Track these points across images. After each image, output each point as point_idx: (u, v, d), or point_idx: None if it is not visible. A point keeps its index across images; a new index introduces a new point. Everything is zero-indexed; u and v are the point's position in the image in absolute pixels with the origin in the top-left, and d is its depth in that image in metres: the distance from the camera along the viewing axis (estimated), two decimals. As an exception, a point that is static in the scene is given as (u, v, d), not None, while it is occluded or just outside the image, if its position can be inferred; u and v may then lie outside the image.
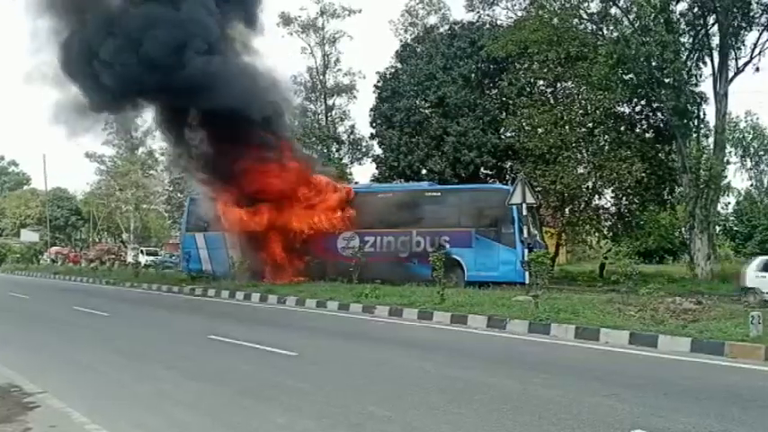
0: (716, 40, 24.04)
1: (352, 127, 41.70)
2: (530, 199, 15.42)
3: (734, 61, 24.07)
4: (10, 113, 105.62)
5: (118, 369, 8.46)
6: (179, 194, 47.79)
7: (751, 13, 23.64)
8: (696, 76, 24.77)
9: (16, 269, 39.70)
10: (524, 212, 15.89)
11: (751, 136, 45.73)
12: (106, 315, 14.82)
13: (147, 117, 29.19)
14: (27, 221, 66.02)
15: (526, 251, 15.70)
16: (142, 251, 44.80)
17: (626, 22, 24.18)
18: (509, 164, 30.10)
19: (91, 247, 58.64)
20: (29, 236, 56.33)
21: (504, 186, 23.34)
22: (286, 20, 40.20)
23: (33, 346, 10.52)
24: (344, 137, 41.63)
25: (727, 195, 27.39)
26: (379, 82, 33.28)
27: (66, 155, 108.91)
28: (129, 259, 39.20)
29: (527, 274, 14.96)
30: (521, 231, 17.60)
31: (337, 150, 40.70)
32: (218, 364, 8.70)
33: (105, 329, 12.69)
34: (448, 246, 19.13)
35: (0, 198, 78.05)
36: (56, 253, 50.32)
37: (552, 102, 27.98)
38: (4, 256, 46.22)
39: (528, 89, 28.84)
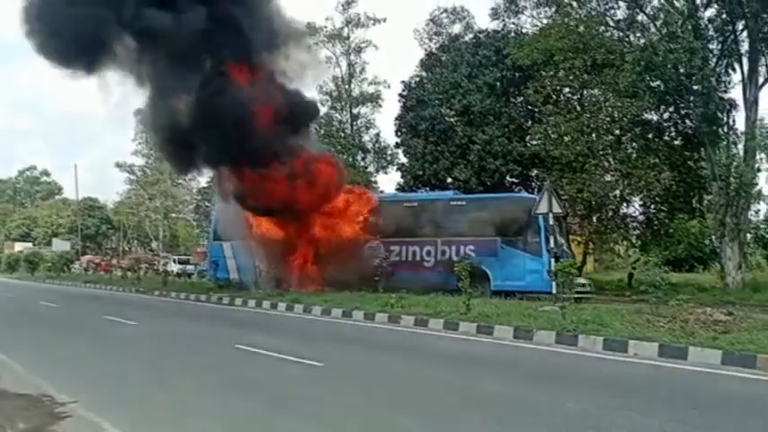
0: (745, 46, 23.63)
1: (377, 135, 41.91)
2: (556, 208, 15.32)
3: (764, 67, 23.66)
4: (43, 124, 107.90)
5: (145, 379, 8.55)
6: (207, 203, 48.36)
7: (781, 19, 23.25)
8: (725, 82, 24.39)
9: (48, 277, 40.36)
10: (551, 221, 15.78)
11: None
12: (135, 324, 14.99)
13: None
14: (59, 231, 67.28)
15: (553, 260, 15.59)
16: (174, 260, 45.07)
17: (653, 29, 23.99)
18: (535, 172, 29.95)
19: (124, 256, 59.51)
20: (60, 245, 57.33)
21: (530, 195, 23.24)
22: (312, 30, 40.49)
23: (64, 355, 10.68)
24: (369, 145, 41.78)
25: (759, 203, 26.87)
26: (404, 91, 33.40)
27: (98, 165, 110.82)
28: (170, 268, 39.33)
29: (554, 283, 14.85)
30: (547, 240, 17.52)
31: (362, 159, 40.86)
32: (243, 375, 8.75)
33: (133, 339, 12.85)
34: (473, 255, 19.07)
35: (32, 208, 79.69)
36: (88, 262, 51.09)
37: (578, 109, 27.79)
38: (36, 265, 47.01)
39: (554, 97, 28.70)
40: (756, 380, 8.26)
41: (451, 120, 30.65)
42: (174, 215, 63.79)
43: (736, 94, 24.32)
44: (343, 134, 40.09)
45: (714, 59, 23.89)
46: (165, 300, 23.25)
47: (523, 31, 29.29)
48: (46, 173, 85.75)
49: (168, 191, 59.25)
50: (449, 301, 15.00)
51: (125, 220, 65.25)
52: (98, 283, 32.72)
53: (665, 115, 26.80)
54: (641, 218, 28.23)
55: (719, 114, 23.77)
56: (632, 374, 8.70)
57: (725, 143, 24.64)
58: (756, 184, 24.18)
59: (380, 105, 42.06)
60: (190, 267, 41.44)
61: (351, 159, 38.64)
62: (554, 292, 14.79)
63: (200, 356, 10.46)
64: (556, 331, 11.21)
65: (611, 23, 26.03)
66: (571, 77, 27.43)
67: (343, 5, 40.39)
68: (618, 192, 26.90)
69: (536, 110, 28.30)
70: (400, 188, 32.79)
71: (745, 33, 23.57)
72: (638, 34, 24.98)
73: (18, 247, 62.46)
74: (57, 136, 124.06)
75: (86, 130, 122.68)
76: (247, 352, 10.51)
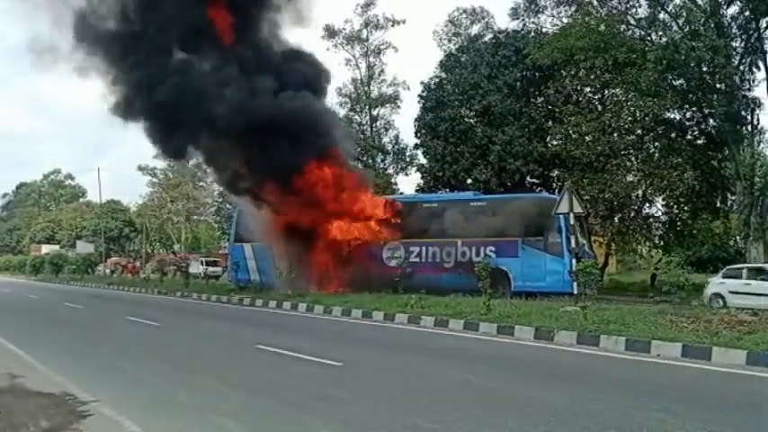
0: (770, 44, 23.36)
1: (397, 137, 41.87)
2: (577, 208, 15.19)
3: (789, 65, 23.31)
4: (67, 128, 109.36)
5: (167, 379, 8.63)
6: (228, 206, 48.62)
7: (806, 15, 22.89)
8: (749, 80, 24.10)
9: (72, 279, 40.92)
10: (572, 221, 15.67)
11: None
12: (157, 325, 15.14)
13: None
14: (82, 233, 68.11)
15: (574, 261, 15.47)
16: (201, 261, 44.89)
17: (675, 27, 23.73)
18: (556, 172, 29.70)
19: (148, 258, 60.00)
20: (84, 247, 58.04)
21: (551, 195, 23.10)
22: (331, 32, 40.69)
23: (88, 355, 10.83)
24: (389, 147, 41.78)
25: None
26: (423, 92, 33.32)
27: (120, 168, 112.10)
28: (196, 270, 39.32)
29: (575, 284, 14.73)
30: (568, 241, 17.41)
31: (382, 160, 40.88)
32: (264, 375, 8.79)
33: (156, 339, 12.98)
34: (494, 255, 19.00)
35: (57, 210, 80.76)
36: (114, 264, 51.50)
37: (600, 109, 27.57)
38: (60, 267, 47.65)
39: (574, 97, 28.51)
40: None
41: (471, 120, 30.54)
42: (195, 217, 64.31)
43: (760, 92, 24.03)
44: (362, 136, 40.14)
45: (737, 57, 23.60)
46: (187, 301, 23.48)
47: (543, 30, 29.06)
48: (70, 176, 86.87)
49: (190, 193, 59.76)
50: (469, 301, 14.96)
51: (147, 222, 65.90)
52: (121, 284, 33.12)
53: (688, 114, 26.52)
54: (664, 218, 27.94)
55: (743, 113, 23.47)
56: (655, 375, 8.58)
57: (749, 142, 24.31)
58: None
59: (399, 107, 42.11)
60: (217, 269, 41.56)
61: (370, 161, 38.73)
62: (575, 292, 14.68)
63: (222, 357, 10.53)
64: (577, 331, 11.13)
65: (633, 22, 25.78)
66: (592, 77, 27.22)
67: (361, 8, 40.48)
68: (640, 192, 26.67)
69: (556, 110, 28.07)
70: (420, 189, 32.73)
71: (768, 31, 23.26)
72: (660, 33, 24.71)
73: (45, 249, 63.36)
74: (80, 139, 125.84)
75: (109, 133, 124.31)
76: (268, 352, 10.56)
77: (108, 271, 49.40)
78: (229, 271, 26.80)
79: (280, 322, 16.01)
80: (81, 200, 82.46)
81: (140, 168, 59.87)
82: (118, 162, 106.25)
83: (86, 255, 52.93)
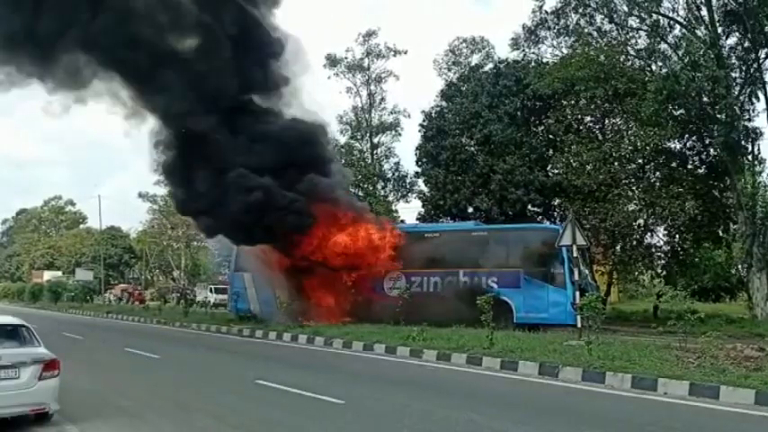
0: (769, 74, 23.47)
1: (397, 164, 41.93)
2: (580, 240, 15.10)
3: (789, 95, 23.39)
4: (69, 155, 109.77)
5: (164, 417, 8.50)
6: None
7: (804, 46, 23.04)
8: (749, 110, 24.19)
9: (70, 307, 40.63)
10: (574, 253, 15.58)
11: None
12: (156, 357, 14.97)
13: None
14: (82, 260, 67.92)
15: (577, 293, 15.35)
16: (211, 289, 43.96)
17: (675, 58, 23.84)
18: (557, 201, 29.71)
19: (148, 285, 59.72)
20: (83, 274, 57.81)
21: (553, 226, 23.07)
22: (332, 61, 40.95)
23: (86, 390, 10.63)
24: (390, 174, 41.83)
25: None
26: (424, 121, 33.46)
27: (121, 194, 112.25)
28: (206, 297, 38.69)
29: (578, 316, 14.58)
30: (571, 272, 17.24)
31: (383, 188, 40.89)
32: (264, 414, 8.65)
33: (155, 373, 12.82)
34: (496, 287, 18.87)
35: (57, 236, 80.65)
36: (122, 291, 51.10)
37: (600, 138, 27.67)
38: (60, 295, 47.33)
39: (575, 126, 28.59)
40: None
41: (472, 149, 30.61)
42: (195, 243, 64.15)
43: (760, 122, 24.13)
44: (363, 163, 40.20)
45: (737, 88, 23.71)
46: (186, 331, 23.26)
47: (544, 60, 29.24)
48: (71, 202, 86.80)
49: (190, 219, 59.66)
50: (471, 334, 14.80)
51: (147, 249, 65.73)
52: (120, 313, 32.87)
53: (689, 144, 26.63)
54: (666, 248, 27.85)
55: (743, 143, 23.51)
56: (663, 415, 8.43)
57: (750, 172, 24.32)
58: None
59: (400, 134, 42.23)
60: (226, 297, 41.05)
61: (371, 188, 38.72)
62: (578, 325, 14.53)
63: (222, 393, 10.35)
64: (582, 368, 10.97)
65: (632, 53, 25.97)
66: (592, 106, 27.38)
67: (363, 37, 40.79)
68: (641, 221, 26.66)
69: (557, 139, 28.16)
70: (421, 218, 32.70)
71: (768, 62, 23.39)
72: (660, 63, 24.86)
73: (47, 275, 63.11)
74: (81, 166, 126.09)
75: (110, 160, 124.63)
76: (268, 388, 10.41)
77: (115, 298, 49.07)
78: (229, 300, 26.59)
79: (280, 355, 15.84)
80: (81, 226, 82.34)
81: (141, 195, 59.84)
82: (118, 189, 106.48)
83: (85, 282, 52.68)
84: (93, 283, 54.37)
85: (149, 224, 64.43)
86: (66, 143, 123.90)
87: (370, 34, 40.73)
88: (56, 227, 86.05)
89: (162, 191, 57.23)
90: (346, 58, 41.29)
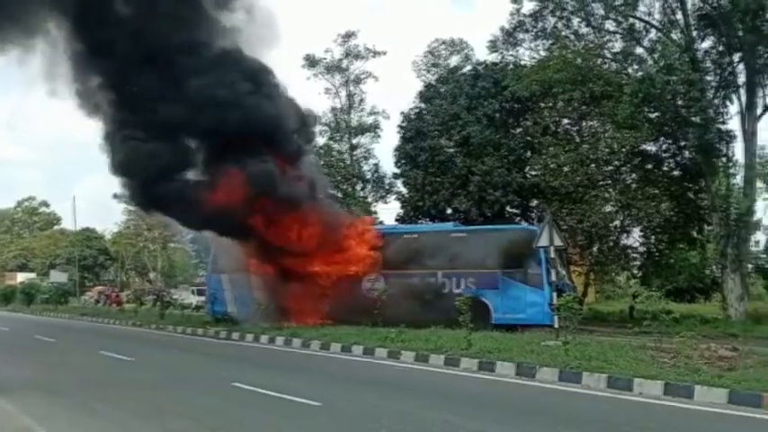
0: (742, 78, 23.82)
1: (377, 165, 41.86)
2: (557, 241, 15.18)
3: (762, 99, 23.75)
4: (42, 155, 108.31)
5: (139, 419, 8.38)
6: (205, 234, 48.12)
7: (777, 51, 23.41)
8: (723, 113, 24.51)
9: (44, 310, 39.98)
10: (552, 254, 15.67)
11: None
12: (131, 360, 14.79)
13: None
14: (56, 261, 66.99)
15: (554, 293, 15.44)
16: (193, 290, 42.84)
17: (650, 62, 24.12)
18: (535, 203, 29.91)
19: (128, 286, 59.04)
20: (58, 276, 56.93)
21: (531, 227, 23.17)
22: (311, 62, 40.79)
23: (59, 393, 10.46)
24: (369, 175, 41.75)
25: (755, 233, 27.10)
26: (403, 122, 33.45)
27: (96, 195, 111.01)
28: (187, 299, 37.97)
29: (555, 316, 14.68)
30: (548, 273, 17.36)
31: (362, 189, 40.82)
32: (241, 416, 8.56)
33: (130, 376, 12.64)
34: (474, 288, 18.93)
35: (30, 238, 79.47)
36: (99, 293, 50.30)
37: (577, 140, 27.89)
38: (33, 297, 46.52)
39: (553, 128, 28.77)
40: (763, 420, 8.11)
41: (451, 151, 30.66)
42: (172, 245, 63.63)
43: (734, 125, 24.45)
44: (342, 164, 40.11)
45: (711, 91, 24.05)
46: (162, 333, 23.00)
47: (522, 63, 29.43)
48: (45, 203, 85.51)
49: (167, 220, 59.12)
50: (449, 335, 14.82)
51: (123, 250, 65.01)
52: (95, 315, 32.43)
53: (664, 146, 26.93)
54: (641, 248, 28.15)
55: (717, 145, 23.84)
56: (638, 415, 8.51)
57: (723, 174, 24.69)
58: (755, 213, 24.21)
59: (379, 136, 42.16)
60: None
61: (350, 189, 38.65)
62: (555, 325, 14.62)
63: (198, 396, 10.25)
64: (559, 368, 11.04)
65: (609, 56, 26.22)
66: (570, 109, 27.58)
67: (342, 38, 40.69)
68: (618, 222, 26.90)
69: (535, 141, 28.33)
70: (400, 219, 32.70)
71: (741, 65, 23.75)
72: (636, 66, 25.12)
73: (20, 277, 62.08)
74: (56, 167, 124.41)
75: (85, 161, 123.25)
76: (245, 390, 10.30)
77: (93, 300, 48.30)
78: (206, 302, 26.32)
79: (257, 357, 15.72)
80: (55, 227, 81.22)
81: (116, 196, 59.06)
82: (93, 190, 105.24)
83: (60, 284, 51.87)
84: (68, 285, 53.52)
85: (125, 225, 63.80)
86: (40, 144, 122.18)
87: (349, 35, 40.62)
88: (29, 228, 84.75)
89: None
90: (325, 58, 41.16)
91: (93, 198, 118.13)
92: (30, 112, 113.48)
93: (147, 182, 19.94)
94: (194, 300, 38.44)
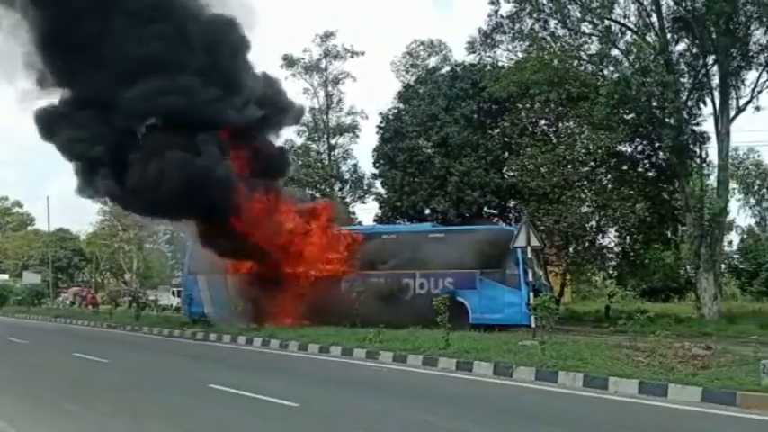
0: (716, 80, 24.18)
1: (355, 166, 41.85)
2: (534, 242, 15.31)
3: (735, 101, 24.13)
4: (16, 154, 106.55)
5: (113, 421, 8.28)
6: (182, 234, 47.73)
7: (749, 54, 23.81)
8: (697, 115, 24.92)
9: (17, 312, 39.35)
10: (529, 254, 15.76)
11: (754, 174, 45.72)
12: (106, 362, 14.59)
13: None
14: (30, 262, 65.94)
15: (531, 293, 15.54)
16: (174, 291, 41.88)
17: (626, 63, 24.38)
18: (512, 203, 30.14)
19: (103, 287, 58.24)
20: (31, 277, 56.07)
21: (508, 227, 23.32)
22: (289, 62, 40.63)
23: (31, 394, 10.30)
24: (347, 176, 41.72)
25: (728, 233, 27.70)
26: (381, 122, 33.50)
27: (70, 196, 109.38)
28: (166, 301, 37.13)
29: (532, 316, 14.77)
30: (525, 273, 17.49)
31: (340, 189, 40.77)
32: (217, 417, 8.48)
33: (104, 378, 12.47)
34: (452, 287, 18.97)
35: (3, 238, 78.11)
36: (74, 294, 49.56)
37: (554, 141, 28.11)
38: (6, 299, 45.77)
39: (530, 129, 28.98)
40: (735, 417, 8.23)
41: (429, 151, 30.75)
42: (147, 246, 62.92)
43: (708, 126, 24.83)
44: (320, 164, 40.04)
45: (686, 93, 24.40)
46: (138, 335, 22.74)
47: (499, 64, 29.60)
48: (18, 204, 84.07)
49: (142, 221, 58.47)
50: (427, 335, 14.83)
51: (98, 251, 64.15)
52: (69, 317, 31.97)
53: (639, 147, 27.28)
54: (617, 249, 28.45)
55: (691, 147, 24.18)
56: (613, 413, 8.61)
57: (698, 175, 25.04)
58: (728, 213, 24.56)
59: (358, 136, 42.12)
60: None
61: (328, 190, 38.61)
62: (532, 325, 14.72)
63: (173, 397, 10.14)
64: (536, 367, 11.10)
65: (585, 58, 26.47)
66: (547, 110, 27.80)
67: (321, 38, 40.60)
68: (594, 223, 27.15)
69: (512, 142, 28.53)
70: (378, 220, 32.71)
71: (715, 68, 24.10)
72: (612, 68, 25.38)
73: (-7, 278, 60.97)
74: (30, 166, 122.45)
75: (60, 161, 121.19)
76: (221, 392, 10.21)
77: (68, 302, 47.62)
78: (183, 303, 26.08)
79: (234, 358, 15.61)
80: (29, 228, 79.89)
81: (90, 196, 58.36)
82: (68, 190, 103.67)
83: (33, 285, 51.10)
84: (42, 286, 52.75)
85: (100, 226, 62.98)
86: (13, 142, 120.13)
87: (327, 35, 40.54)
88: (2, 229, 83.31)
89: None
90: (303, 58, 41.05)
91: (67, 198, 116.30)
92: (1, 110, 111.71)
93: (92, 165, 19.17)
94: (174, 301, 38.10)
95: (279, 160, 22.44)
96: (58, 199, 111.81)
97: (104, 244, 62.86)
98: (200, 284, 23.68)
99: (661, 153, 26.09)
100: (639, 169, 27.49)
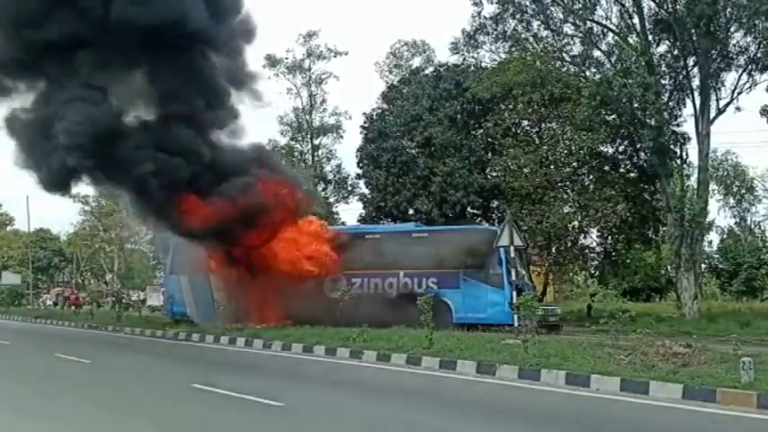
0: (696, 82, 24.44)
1: (339, 166, 41.84)
2: (517, 241, 15.41)
3: (715, 102, 24.39)
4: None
5: (96, 422, 8.22)
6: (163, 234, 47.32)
7: (729, 55, 24.10)
8: (677, 116, 25.21)
9: (-4, 312, 38.84)
10: (512, 254, 15.86)
11: (733, 175, 46.26)
12: (87, 362, 14.45)
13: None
14: (9, 263, 65.10)
15: (515, 293, 15.62)
16: (163, 292, 41.79)
17: (608, 65, 24.58)
18: (495, 203, 30.28)
19: (84, 288, 57.57)
20: (10, 278, 55.31)
21: (492, 227, 23.41)
22: (273, 62, 40.53)
23: (12, 396, 10.20)
24: (331, 176, 41.70)
25: (708, 233, 28.11)
26: (365, 123, 33.52)
27: (51, 195, 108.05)
28: (154, 302, 36.63)
29: (515, 316, 14.85)
30: (509, 273, 17.58)
31: (324, 190, 40.74)
32: (201, 418, 8.46)
33: (86, 379, 12.38)
34: (435, 287, 19.02)
35: (-19, 239, 77.06)
36: (57, 295, 48.95)
37: (537, 142, 28.30)
38: (-16, 300, 45.13)
39: (513, 130, 29.15)
40: (716, 414, 8.33)
41: (413, 152, 30.82)
42: (129, 246, 62.33)
43: (688, 127, 25.10)
44: (304, 165, 39.97)
45: (666, 94, 24.65)
46: (120, 335, 22.56)
47: (483, 65, 29.73)
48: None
49: (124, 221, 57.93)
50: (411, 334, 14.84)
51: (78, 251, 63.47)
52: (50, 318, 31.64)
53: (621, 148, 27.54)
54: (599, 249, 28.68)
55: (672, 147, 24.43)
56: (595, 410, 8.70)
57: (678, 175, 25.30)
58: (708, 214, 24.84)
59: (342, 136, 42.13)
60: None
61: (312, 190, 38.54)
62: (515, 324, 14.80)
63: (156, 398, 10.09)
64: (518, 366, 11.17)
65: (567, 59, 26.63)
66: (529, 111, 27.97)
67: (304, 38, 40.54)
68: (576, 223, 27.35)
69: (496, 142, 28.69)
70: (362, 220, 32.73)
71: (696, 69, 24.36)
72: (594, 69, 25.56)
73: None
74: (8, 165, 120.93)
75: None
76: (205, 391, 10.17)
77: (51, 303, 47.07)
78: (165, 303, 25.91)
79: (217, 358, 15.55)
80: (8, 228, 78.88)
81: (71, 196, 57.71)
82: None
83: (13, 286, 50.47)
84: (21, 287, 52.11)
85: (81, 226, 62.31)
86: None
87: (311, 35, 40.53)
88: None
89: (93, 192, 55.47)
90: (287, 58, 41.00)
91: (48, 198, 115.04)
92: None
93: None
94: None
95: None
96: (39, 199, 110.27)
97: (85, 244, 62.18)
98: (182, 284, 23.51)
99: (642, 154, 26.33)
100: (621, 170, 27.75)
